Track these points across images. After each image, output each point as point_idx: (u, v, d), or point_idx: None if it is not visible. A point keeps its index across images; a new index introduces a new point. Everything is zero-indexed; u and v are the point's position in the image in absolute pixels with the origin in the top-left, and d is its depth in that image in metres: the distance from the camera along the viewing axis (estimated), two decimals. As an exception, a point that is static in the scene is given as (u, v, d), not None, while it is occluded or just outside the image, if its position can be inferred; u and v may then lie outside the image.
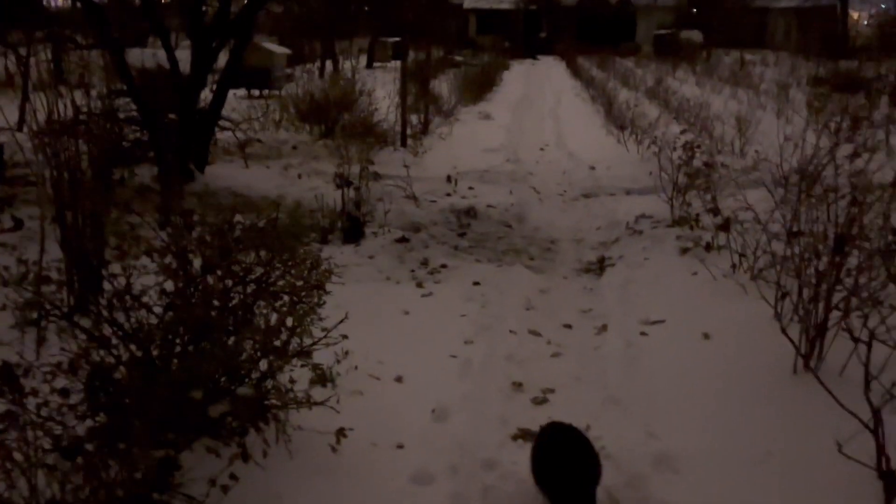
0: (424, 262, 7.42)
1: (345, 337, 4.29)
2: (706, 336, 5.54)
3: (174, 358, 3.30)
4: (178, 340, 3.36)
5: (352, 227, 7.76)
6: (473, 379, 5.04)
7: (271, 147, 12.61)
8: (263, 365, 3.62)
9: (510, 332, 5.95)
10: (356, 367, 4.96)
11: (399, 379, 4.94)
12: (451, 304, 6.39)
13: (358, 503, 3.61)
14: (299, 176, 10.53)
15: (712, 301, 6.17)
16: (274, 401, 3.55)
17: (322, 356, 4.42)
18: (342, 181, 7.99)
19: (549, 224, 9.13)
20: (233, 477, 2.92)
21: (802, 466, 3.82)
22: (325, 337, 3.94)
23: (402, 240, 7.85)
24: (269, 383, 3.70)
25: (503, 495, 3.90)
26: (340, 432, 3.80)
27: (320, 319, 3.93)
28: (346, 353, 5.12)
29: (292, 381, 3.93)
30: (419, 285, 6.84)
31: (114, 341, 3.44)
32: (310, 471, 3.69)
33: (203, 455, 2.99)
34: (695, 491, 3.75)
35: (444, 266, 7.35)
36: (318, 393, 3.97)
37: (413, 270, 7.21)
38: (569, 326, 6.16)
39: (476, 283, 6.87)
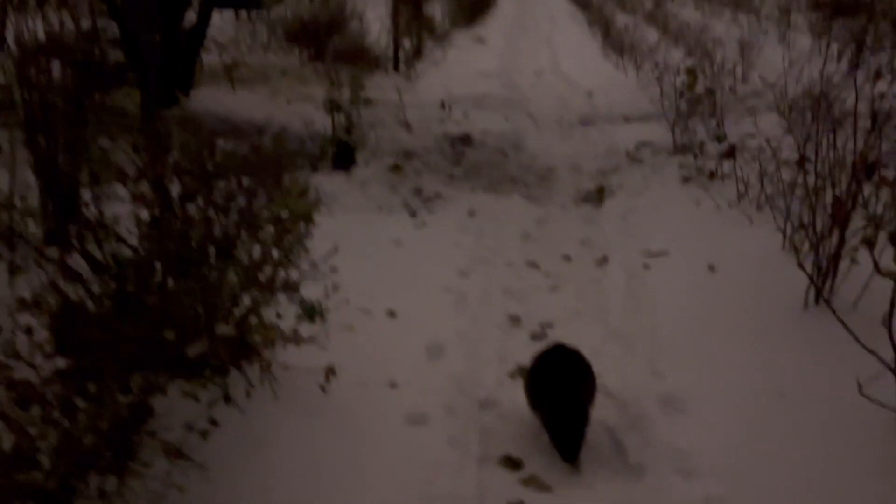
0: (418, 191, 7.15)
1: (334, 270, 4.06)
2: (711, 268, 5.31)
3: (149, 293, 3.05)
4: (153, 274, 3.11)
5: (342, 154, 7.46)
6: (469, 313, 4.83)
7: (259, 71, 12.19)
8: (246, 300, 3.38)
9: (507, 264, 5.73)
10: (346, 301, 4.73)
11: (391, 313, 4.72)
12: (446, 235, 6.15)
13: (348, 446, 3.40)
14: (288, 101, 10.16)
15: (717, 232, 5.93)
16: (258, 338, 3.32)
17: (310, 290, 4.19)
18: (332, 106, 7.66)
19: (546, 152, 8.83)
20: (212, 422, 2.71)
21: (817, 407, 3.62)
22: (312, 270, 3.69)
23: (395, 168, 7.56)
24: (253, 320, 3.46)
25: (502, 436, 3.71)
26: (329, 371, 3.58)
27: (307, 251, 3.68)
28: (336, 287, 4.91)
29: (279, 316, 3.71)
30: (412, 215, 6.58)
31: (85, 275, 3.20)
32: (297, 412, 3.49)
33: (181, 399, 2.77)
34: (703, 433, 3.55)
35: (438, 195, 7.09)
36: (306, 330, 3.74)
37: (406, 200, 6.95)
38: (568, 258, 5.93)
39: (471, 214, 6.62)
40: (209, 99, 9.87)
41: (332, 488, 3.12)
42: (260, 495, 2.97)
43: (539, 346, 3.98)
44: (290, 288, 3.43)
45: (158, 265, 3.10)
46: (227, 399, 3.02)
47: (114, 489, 2.48)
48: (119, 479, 2.49)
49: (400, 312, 4.73)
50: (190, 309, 3.02)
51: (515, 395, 3.89)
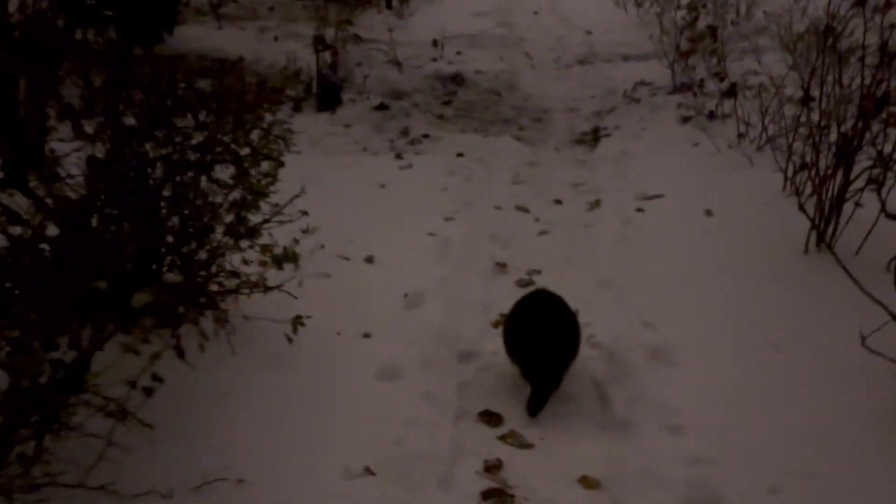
0: (405, 132, 6.87)
1: (305, 213, 3.81)
2: (708, 212, 5.07)
3: (93, 237, 2.81)
4: (99, 216, 2.87)
5: (327, 93, 7.17)
6: (452, 260, 4.59)
7: (247, 7, 11.80)
8: (200, 246, 3.15)
9: (495, 207, 5.48)
10: (322, 247, 4.50)
11: (370, 259, 4.49)
12: (432, 178, 5.89)
13: (316, 401, 3.19)
14: (275, 38, 9.82)
15: (715, 174, 5.68)
16: (214, 287, 3.08)
17: (285, 234, 3.95)
18: (320, 43, 7.33)
19: (540, 93, 8.52)
20: (156, 378, 2.49)
21: (815, 360, 3.41)
22: (276, 214, 3.45)
23: (382, 107, 7.27)
24: (213, 268, 3.23)
25: (482, 389, 3.50)
26: (297, 320, 3.36)
27: (273, 193, 3.42)
28: (308, 230, 4.66)
29: (246, 262, 3.48)
30: (398, 156, 6.32)
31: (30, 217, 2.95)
32: (260, 365, 3.28)
33: (123, 354, 2.55)
34: (693, 388, 3.33)
35: (426, 136, 6.81)
36: (275, 278, 3.50)
37: (392, 140, 6.68)
38: (559, 202, 5.68)
39: (460, 155, 6.34)
40: (194, 37, 9.53)
41: (296, 447, 2.92)
42: (215, 456, 2.76)
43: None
44: (250, 233, 3.18)
45: (105, 207, 2.86)
46: (180, 353, 2.80)
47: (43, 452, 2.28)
48: (37, 443, 2.30)
49: (379, 259, 4.50)
50: (137, 254, 2.79)
51: (498, 346, 3.68)
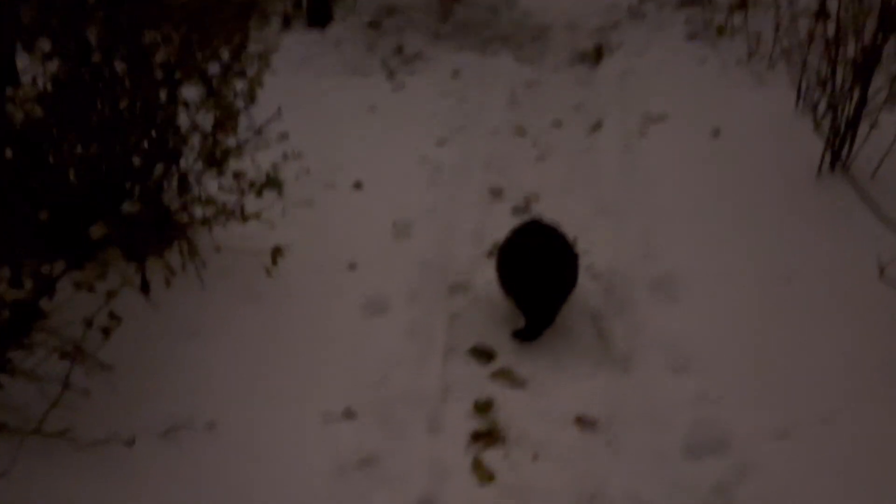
0: (398, 50, 6.54)
1: (285, 136, 3.57)
2: (715, 133, 4.80)
3: (47, 163, 2.57)
4: (54, 141, 2.62)
5: (317, 8, 6.81)
6: (445, 186, 4.35)
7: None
8: (161, 171, 2.91)
9: (491, 131, 5.20)
10: (307, 172, 4.26)
11: (357, 186, 4.25)
12: (425, 100, 5.61)
13: (296, 337, 2.99)
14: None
15: (723, 93, 5.37)
16: (184, 218, 2.84)
17: (268, 160, 3.71)
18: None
19: (541, 8, 8.10)
20: (113, 316, 2.28)
21: (829, 293, 3.18)
22: (248, 140, 3.20)
23: (374, 24, 6.92)
24: (183, 197, 3.00)
25: (473, 324, 3.31)
26: (277, 251, 3.14)
27: (235, 117, 3.16)
28: (296, 156, 4.43)
29: (222, 188, 3.24)
30: (390, 76, 6.01)
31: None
32: (236, 300, 3.07)
33: (80, 292, 2.33)
34: (698, 323, 3.12)
35: (420, 55, 6.47)
36: (255, 206, 3.27)
37: (384, 60, 6.34)
38: (558, 124, 5.40)
39: (455, 75, 6.04)
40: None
41: (272, 388, 2.73)
42: (183, 399, 2.58)
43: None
44: (225, 158, 2.93)
45: (56, 128, 2.61)
46: (146, 289, 2.59)
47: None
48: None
49: (367, 185, 4.26)
50: (97, 182, 2.55)
51: (492, 277, 3.47)
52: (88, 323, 2.27)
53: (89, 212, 2.48)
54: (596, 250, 3.76)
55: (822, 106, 4.18)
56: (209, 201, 3.04)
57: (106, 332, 2.29)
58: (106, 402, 2.42)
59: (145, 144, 2.84)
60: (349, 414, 2.63)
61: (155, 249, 2.66)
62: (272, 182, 4.04)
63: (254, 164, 3.85)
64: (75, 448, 2.28)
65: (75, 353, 2.29)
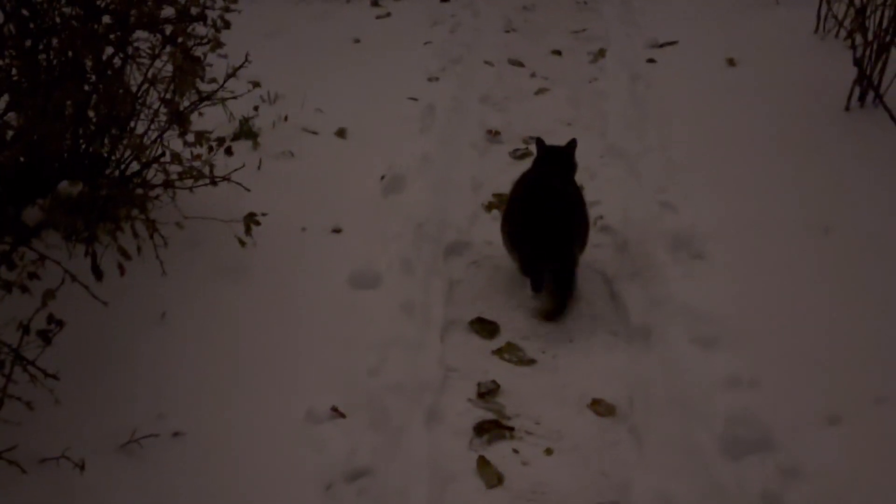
0: (383, -26, 6.07)
1: (256, 85, 3.18)
2: (731, 62, 4.43)
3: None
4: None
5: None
6: (437, 130, 3.97)
7: None
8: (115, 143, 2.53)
9: (485, 62, 4.80)
10: (286, 119, 3.88)
11: (341, 133, 3.86)
12: (414, 29, 5.20)
13: (272, 322, 2.63)
14: None
15: (736, 16, 4.98)
16: (139, 191, 2.46)
17: (240, 105, 3.33)
18: None
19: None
20: (53, 321, 1.93)
21: (877, 243, 2.83)
22: (207, 98, 2.81)
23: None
24: (145, 158, 2.62)
25: (473, 292, 2.97)
26: (251, 218, 2.76)
27: (207, 67, 2.76)
28: (273, 100, 4.04)
29: (188, 145, 2.85)
30: (374, 3, 5.57)
31: None
32: (206, 278, 2.72)
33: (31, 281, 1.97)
34: (729, 286, 2.77)
35: (407, -21, 6.01)
36: (225, 168, 2.89)
37: (369, -17, 5.89)
38: (558, 53, 5.00)
39: (446, 0, 5.59)
40: None
41: (247, 385, 2.38)
42: (145, 404, 2.24)
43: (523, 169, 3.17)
44: (182, 119, 2.54)
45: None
46: (98, 276, 2.23)
47: None
48: None
49: (352, 132, 3.88)
50: (31, 157, 2.18)
51: (492, 234, 3.13)
52: (25, 328, 1.93)
53: (23, 191, 2.11)
54: (606, 199, 3.42)
55: (847, 28, 3.82)
56: (176, 158, 2.65)
57: (45, 337, 1.95)
58: (56, 414, 2.09)
59: (90, 108, 2.45)
60: (336, 412, 2.30)
61: (107, 227, 2.29)
62: (246, 133, 3.68)
63: (226, 109, 3.48)
64: (17, 472, 1.96)
65: (13, 361, 1.95)
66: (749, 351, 2.48)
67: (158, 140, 2.75)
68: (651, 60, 4.65)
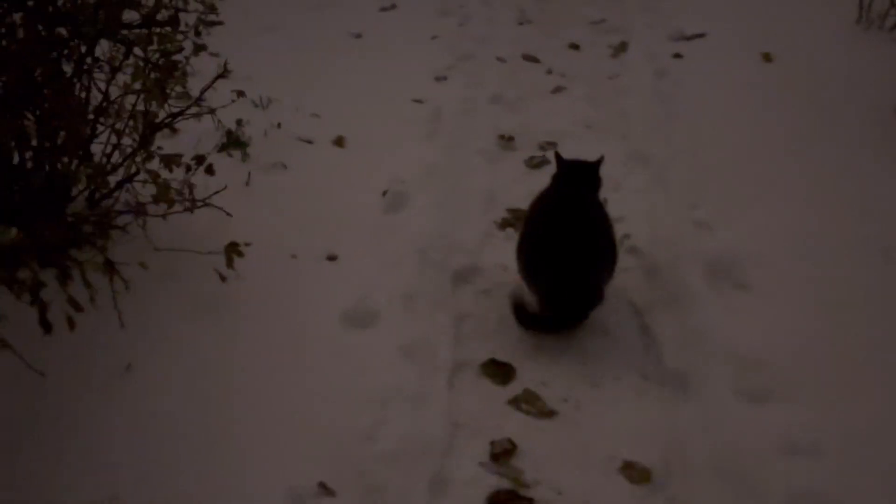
0: (388, -38, 5.70)
1: (241, 94, 2.84)
2: (767, 57, 4.05)
3: None
4: None
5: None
6: (444, 135, 3.63)
7: None
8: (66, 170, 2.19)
9: (497, 59, 4.44)
10: (279, 126, 3.54)
11: (339, 141, 3.52)
12: (420, 21, 4.85)
13: (252, 373, 2.29)
14: None
15: (771, 5, 4.59)
16: (87, 228, 2.13)
17: (229, 112, 2.99)
18: None
19: None
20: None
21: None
22: (179, 114, 2.47)
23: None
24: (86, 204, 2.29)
25: (484, 327, 2.61)
26: (233, 248, 2.43)
27: (184, 74, 2.42)
28: (265, 104, 3.70)
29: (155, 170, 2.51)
30: (378, -7, 5.22)
31: None
32: (179, 318, 2.39)
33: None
34: (778, 323, 2.42)
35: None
36: (206, 189, 2.56)
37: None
38: (575, 47, 4.64)
39: (454, -10, 5.23)
40: None
41: (220, 458, 2.04)
42: (95, 482, 1.91)
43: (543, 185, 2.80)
44: (146, 142, 2.20)
45: None
46: (47, 329, 1.90)
47: None
48: None
49: (351, 140, 3.54)
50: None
51: (505, 257, 2.77)
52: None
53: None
54: (632, 215, 3.05)
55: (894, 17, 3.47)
56: (154, 177, 2.31)
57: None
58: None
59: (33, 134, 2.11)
60: (324, 489, 1.97)
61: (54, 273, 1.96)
62: (234, 144, 3.35)
63: (215, 119, 3.15)
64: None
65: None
66: (808, 406, 2.13)
67: (128, 161, 2.41)
68: (677, 55, 4.28)
